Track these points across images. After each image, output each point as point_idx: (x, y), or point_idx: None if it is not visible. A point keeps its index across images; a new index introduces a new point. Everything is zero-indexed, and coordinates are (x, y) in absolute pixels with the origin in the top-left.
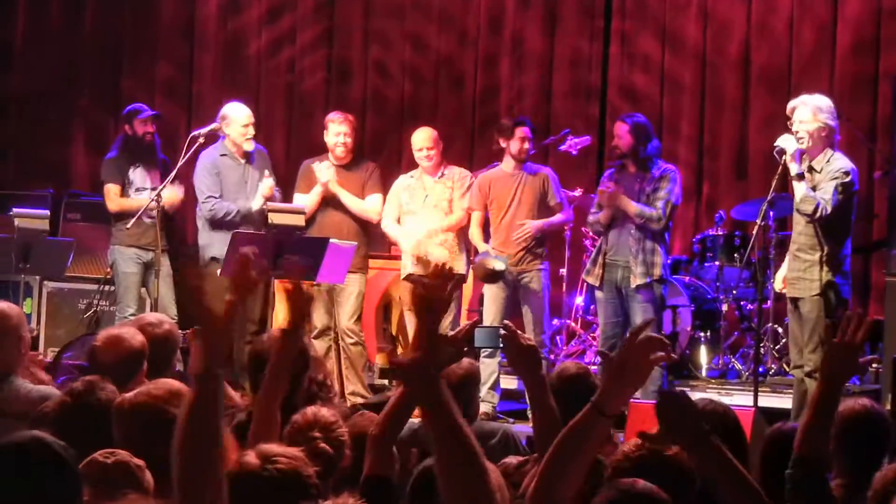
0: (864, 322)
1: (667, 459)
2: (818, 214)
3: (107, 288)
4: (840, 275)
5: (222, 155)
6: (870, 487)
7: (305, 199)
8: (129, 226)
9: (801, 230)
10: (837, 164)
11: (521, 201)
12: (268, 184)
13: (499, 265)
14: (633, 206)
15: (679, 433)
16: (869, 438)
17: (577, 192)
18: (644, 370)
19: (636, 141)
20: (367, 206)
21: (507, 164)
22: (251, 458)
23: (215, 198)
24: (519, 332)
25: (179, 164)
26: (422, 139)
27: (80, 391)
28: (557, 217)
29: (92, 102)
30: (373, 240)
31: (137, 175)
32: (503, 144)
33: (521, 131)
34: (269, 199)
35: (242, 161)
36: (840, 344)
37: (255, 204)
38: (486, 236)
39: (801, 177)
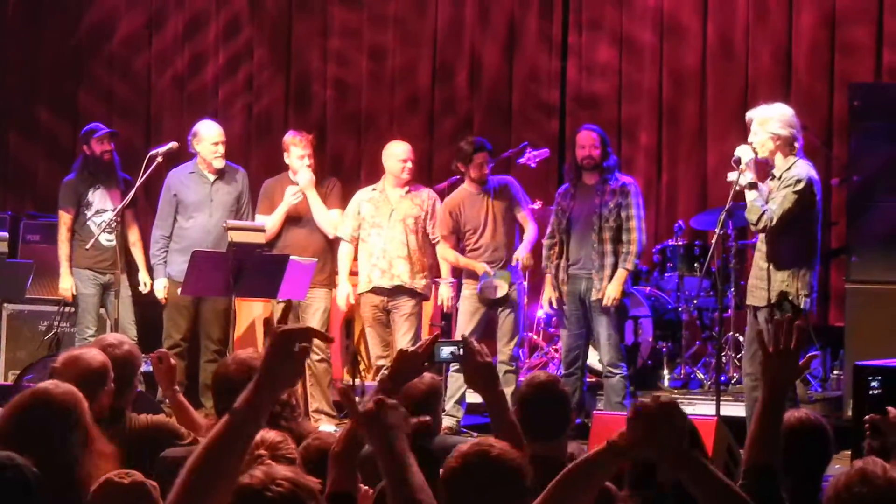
0: (794, 327)
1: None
2: (762, 224)
3: (67, 309)
4: (801, 286)
5: (191, 172)
6: (815, 498)
7: (268, 219)
8: (87, 247)
9: (761, 238)
10: (794, 171)
11: (494, 219)
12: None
13: (501, 292)
14: (623, 275)
15: (657, 449)
16: (809, 449)
17: (537, 205)
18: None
19: (604, 151)
20: (326, 218)
21: (470, 185)
22: (259, 474)
23: (159, 230)
24: (477, 348)
25: (138, 183)
26: (405, 150)
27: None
28: (531, 236)
29: (51, 117)
30: (335, 257)
31: (97, 196)
32: (462, 169)
33: (480, 157)
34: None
35: (212, 178)
36: (777, 353)
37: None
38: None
39: (752, 186)
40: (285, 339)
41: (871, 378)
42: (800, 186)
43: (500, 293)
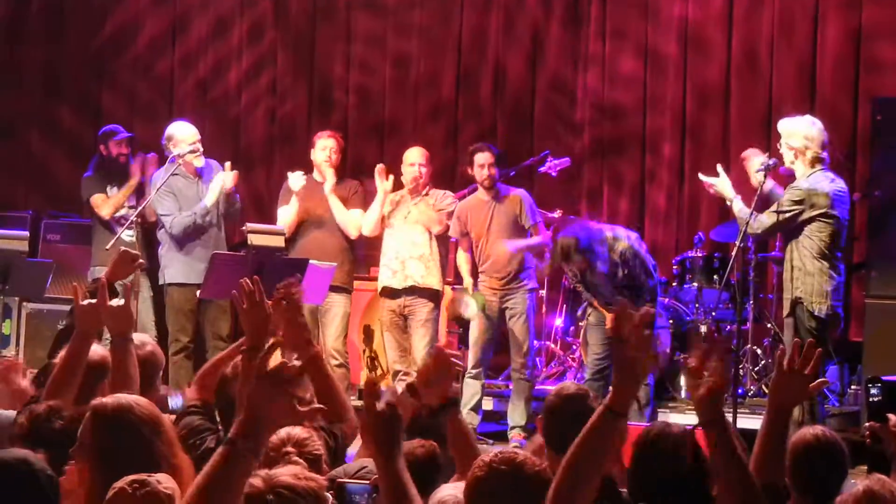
0: (815, 353)
1: None
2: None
3: None
4: (815, 293)
5: (175, 174)
6: None
7: (286, 210)
8: (108, 247)
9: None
10: (797, 183)
11: (496, 227)
12: (228, 177)
13: (470, 312)
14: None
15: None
16: (823, 466)
17: (557, 214)
18: (640, 363)
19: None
20: (348, 217)
21: (481, 191)
22: (258, 482)
23: (172, 215)
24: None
25: (160, 185)
26: (415, 154)
27: (36, 416)
28: (534, 239)
29: (73, 117)
30: (355, 259)
31: (114, 193)
32: (470, 172)
33: (479, 158)
34: (228, 193)
35: (195, 179)
36: (790, 373)
37: (209, 200)
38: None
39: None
40: (271, 379)
41: (870, 385)
42: (785, 206)
43: (468, 313)
